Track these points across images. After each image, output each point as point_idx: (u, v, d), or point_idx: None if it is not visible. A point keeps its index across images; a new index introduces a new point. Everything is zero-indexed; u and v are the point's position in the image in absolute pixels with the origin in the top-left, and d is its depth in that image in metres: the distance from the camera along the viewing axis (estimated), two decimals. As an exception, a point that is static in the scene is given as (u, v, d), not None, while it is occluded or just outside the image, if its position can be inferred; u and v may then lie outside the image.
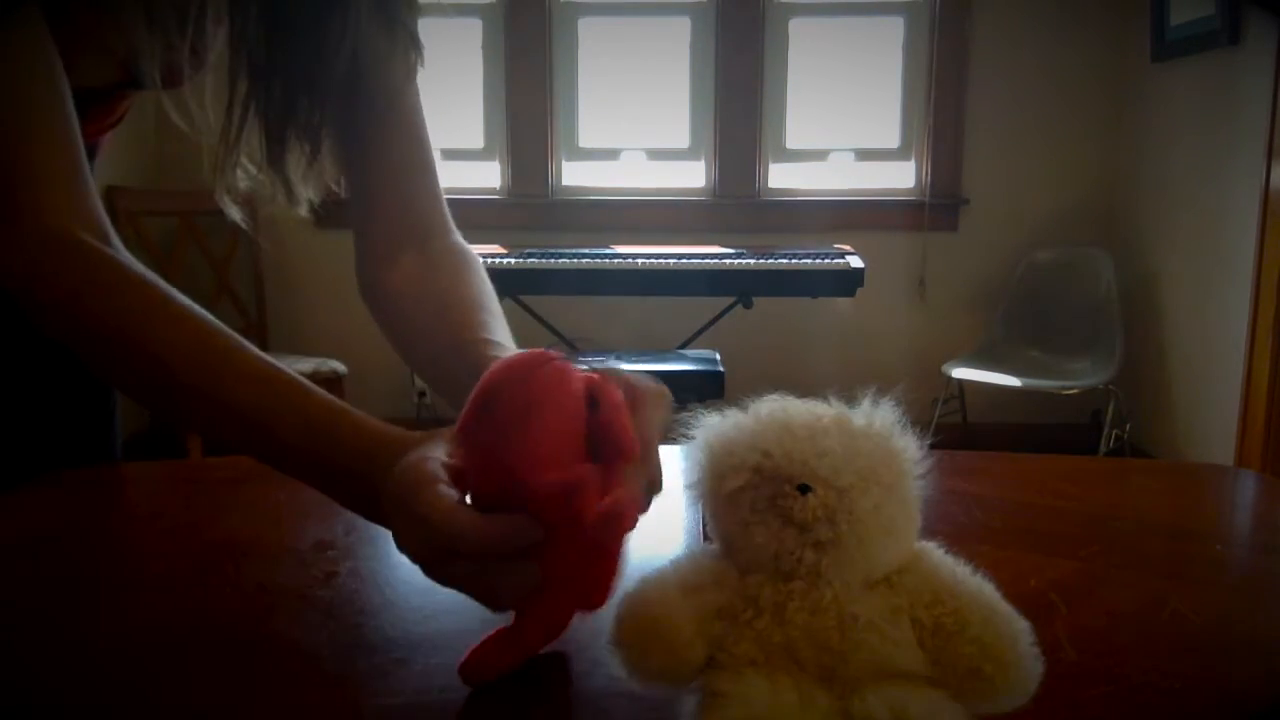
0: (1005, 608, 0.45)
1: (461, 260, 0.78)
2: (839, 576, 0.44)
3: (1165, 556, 0.70)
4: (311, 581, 0.63)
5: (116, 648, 0.55)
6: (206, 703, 0.50)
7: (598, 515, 0.46)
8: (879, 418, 0.47)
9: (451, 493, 0.47)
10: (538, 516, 0.47)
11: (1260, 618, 0.61)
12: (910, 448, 0.47)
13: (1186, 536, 0.74)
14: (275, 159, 0.71)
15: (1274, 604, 0.64)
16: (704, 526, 0.49)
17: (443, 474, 0.49)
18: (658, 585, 0.46)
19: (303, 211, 0.76)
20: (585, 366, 0.49)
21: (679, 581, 0.46)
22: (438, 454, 0.50)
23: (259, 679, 0.52)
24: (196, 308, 0.62)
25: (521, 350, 0.51)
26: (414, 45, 0.73)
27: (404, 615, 0.58)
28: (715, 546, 0.48)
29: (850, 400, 0.48)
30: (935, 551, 0.48)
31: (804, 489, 0.44)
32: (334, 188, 0.78)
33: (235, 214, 0.76)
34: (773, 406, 0.48)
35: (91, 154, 0.88)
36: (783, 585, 0.45)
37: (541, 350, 0.49)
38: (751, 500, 0.45)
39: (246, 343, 0.61)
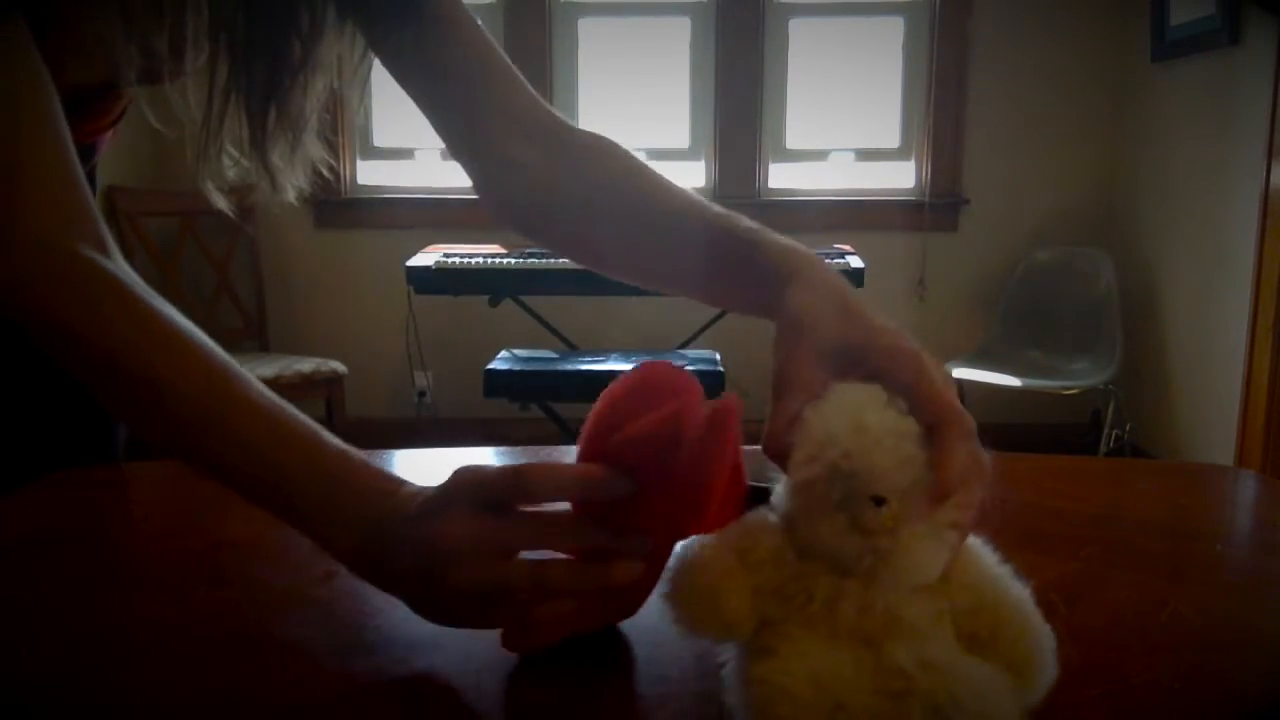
0: (1037, 620, 0.46)
1: (610, 143, 0.74)
2: (893, 582, 0.45)
3: (1165, 556, 0.70)
4: (311, 581, 0.62)
5: (116, 647, 0.55)
6: (206, 702, 0.50)
7: (705, 418, 0.46)
8: None
9: None
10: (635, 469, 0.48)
11: (1260, 618, 0.61)
12: (986, 457, 0.48)
13: (1186, 536, 0.74)
14: (259, 146, 0.70)
15: (1274, 604, 0.64)
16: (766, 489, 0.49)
17: None
18: (715, 551, 0.47)
19: (289, 199, 0.75)
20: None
21: (737, 549, 0.46)
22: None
23: (259, 679, 0.52)
24: (198, 332, 0.59)
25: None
26: None
27: (404, 615, 0.58)
28: (774, 519, 0.48)
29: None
30: (980, 552, 0.48)
31: (879, 500, 0.44)
32: (325, 174, 0.76)
33: (221, 203, 0.74)
34: (855, 396, 0.47)
35: (91, 153, 0.88)
36: (839, 580, 0.45)
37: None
38: (823, 494, 0.45)
39: (250, 375, 0.58)
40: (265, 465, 0.56)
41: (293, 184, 0.73)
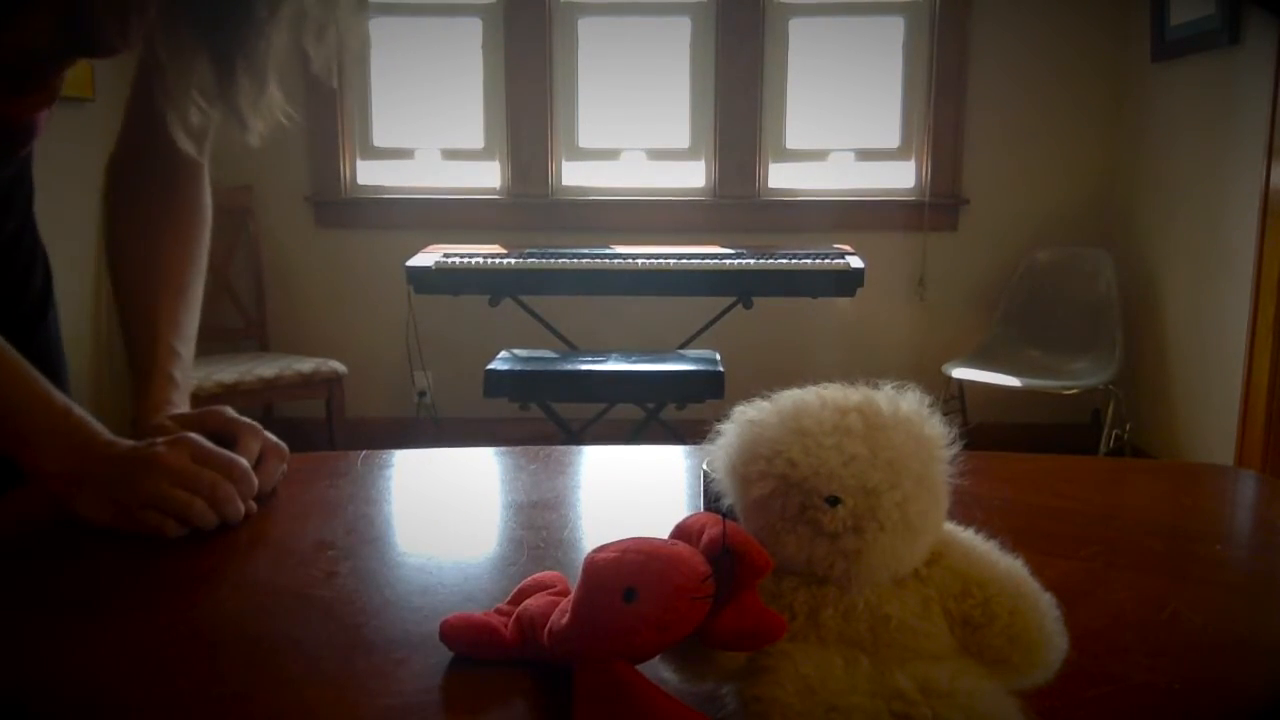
0: (1033, 590, 0.46)
1: (197, 220, 0.91)
2: (868, 580, 0.45)
3: (1165, 556, 0.70)
4: (311, 581, 0.63)
5: (116, 648, 0.55)
6: (206, 702, 0.50)
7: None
8: (905, 404, 0.47)
9: None
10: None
11: (1260, 618, 0.61)
12: (939, 432, 0.47)
13: (1186, 536, 0.74)
14: (225, 91, 0.70)
15: (1274, 604, 0.64)
16: (723, 506, 0.48)
17: None
18: None
19: (254, 142, 0.75)
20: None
21: None
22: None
23: (259, 679, 0.52)
24: None
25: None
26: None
27: (404, 615, 0.58)
28: None
29: (873, 387, 0.48)
30: (962, 535, 0.48)
31: (833, 501, 0.44)
32: (284, 120, 0.76)
33: (189, 146, 0.75)
34: (795, 401, 0.47)
35: (31, 132, 0.85)
36: (816, 589, 0.45)
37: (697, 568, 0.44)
38: (781, 508, 0.45)
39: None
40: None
41: (257, 129, 0.74)
